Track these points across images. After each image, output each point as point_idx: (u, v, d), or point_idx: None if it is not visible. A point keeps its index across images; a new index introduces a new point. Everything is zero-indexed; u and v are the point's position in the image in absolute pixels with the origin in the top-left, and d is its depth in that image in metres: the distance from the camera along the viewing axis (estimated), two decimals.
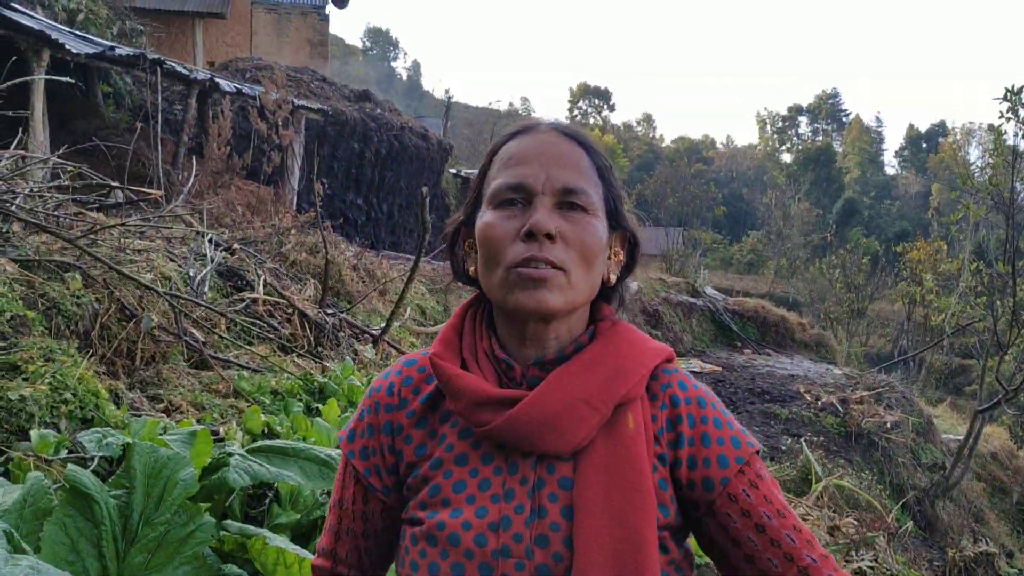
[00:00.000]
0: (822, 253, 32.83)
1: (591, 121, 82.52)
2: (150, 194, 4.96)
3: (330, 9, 21.90)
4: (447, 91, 49.66)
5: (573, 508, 1.06)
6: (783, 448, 7.52)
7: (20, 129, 4.99)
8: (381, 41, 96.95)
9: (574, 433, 1.06)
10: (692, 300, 15.72)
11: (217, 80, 11.14)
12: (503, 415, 1.07)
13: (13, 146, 4.82)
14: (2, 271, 3.55)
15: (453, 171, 19.45)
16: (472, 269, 1.20)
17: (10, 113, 4.79)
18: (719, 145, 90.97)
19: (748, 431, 1.18)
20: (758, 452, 1.18)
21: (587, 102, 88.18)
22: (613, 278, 1.20)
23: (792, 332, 15.77)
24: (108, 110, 12.34)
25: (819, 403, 9.40)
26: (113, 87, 12.66)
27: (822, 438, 8.09)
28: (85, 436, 2.40)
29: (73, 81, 5.51)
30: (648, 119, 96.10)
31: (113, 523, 2.09)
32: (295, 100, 12.17)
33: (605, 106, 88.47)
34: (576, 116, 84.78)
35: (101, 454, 2.35)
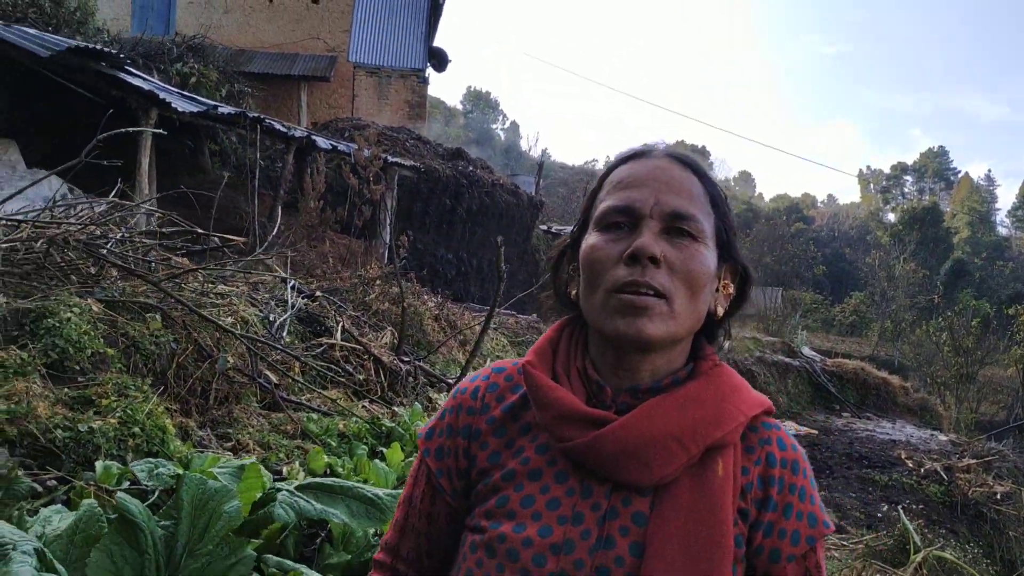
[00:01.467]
0: (929, 315, 31.41)
1: None
2: (236, 241, 5.14)
3: (430, 72, 22.62)
4: (543, 150, 50.31)
5: (645, 546, 1.00)
6: (879, 515, 7.09)
7: (119, 180, 5.26)
8: (481, 103, 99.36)
9: (659, 468, 1.02)
10: (788, 360, 15.21)
11: (314, 137, 11.58)
12: (589, 434, 1.04)
13: (111, 195, 5.09)
14: (88, 311, 3.71)
15: (544, 227, 19.55)
16: (573, 292, 1.17)
17: (119, 163, 5.06)
18: (820, 204, 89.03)
19: (825, 509, 1.12)
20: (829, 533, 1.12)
21: None
22: (720, 311, 1.15)
23: (894, 396, 15.04)
24: (214, 167, 12.99)
25: (922, 470, 8.89)
26: (220, 145, 13.34)
27: (923, 507, 7.61)
28: (138, 466, 2.44)
29: (165, 133, 5.83)
30: (747, 177, 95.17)
31: (158, 552, 2.10)
32: (388, 157, 12.53)
33: None
34: None
35: (152, 484, 2.38)
